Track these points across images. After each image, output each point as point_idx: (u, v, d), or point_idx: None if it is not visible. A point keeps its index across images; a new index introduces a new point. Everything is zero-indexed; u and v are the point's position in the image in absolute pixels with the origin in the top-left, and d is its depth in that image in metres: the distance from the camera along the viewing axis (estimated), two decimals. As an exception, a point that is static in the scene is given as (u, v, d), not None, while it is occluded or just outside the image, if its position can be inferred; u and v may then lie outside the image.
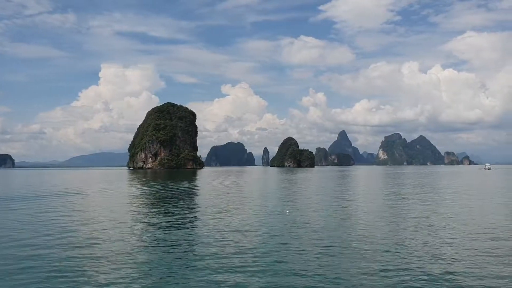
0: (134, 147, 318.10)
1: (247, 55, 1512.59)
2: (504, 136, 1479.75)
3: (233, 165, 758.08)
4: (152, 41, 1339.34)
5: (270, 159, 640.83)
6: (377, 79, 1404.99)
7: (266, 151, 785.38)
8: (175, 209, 34.60)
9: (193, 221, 27.62)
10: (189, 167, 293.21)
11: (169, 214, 31.02)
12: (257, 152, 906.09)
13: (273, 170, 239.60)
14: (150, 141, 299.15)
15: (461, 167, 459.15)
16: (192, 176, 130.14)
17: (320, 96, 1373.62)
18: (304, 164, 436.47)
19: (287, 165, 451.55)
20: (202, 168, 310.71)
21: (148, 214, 31.38)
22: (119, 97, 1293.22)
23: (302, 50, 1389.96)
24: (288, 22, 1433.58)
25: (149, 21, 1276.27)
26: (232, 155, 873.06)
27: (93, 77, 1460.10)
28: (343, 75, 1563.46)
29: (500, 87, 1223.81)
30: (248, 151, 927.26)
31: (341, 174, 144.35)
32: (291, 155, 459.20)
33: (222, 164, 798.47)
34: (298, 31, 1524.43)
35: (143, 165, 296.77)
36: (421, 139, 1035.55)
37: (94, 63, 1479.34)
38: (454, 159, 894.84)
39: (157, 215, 30.66)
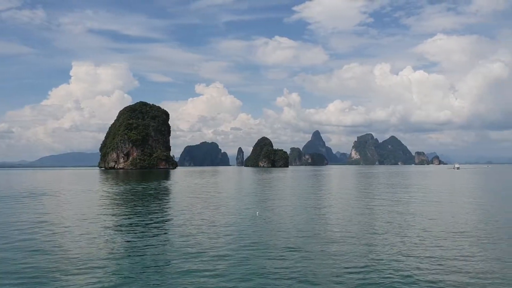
0: (106, 147, 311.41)
1: (221, 54, 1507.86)
2: (472, 137, 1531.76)
3: (207, 165, 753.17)
4: (125, 39, 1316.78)
5: (244, 159, 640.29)
6: (350, 80, 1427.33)
7: (240, 151, 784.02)
8: (141, 210, 33.54)
9: (158, 222, 26.69)
10: (162, 167, 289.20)
11: (133, 216, 29.94)
12: (231, 152, 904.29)
13: (247, 170, 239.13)
14: (122, 141, 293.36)
15: (431, 166, 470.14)
16: (164, 176, 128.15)
17: (294, 97, 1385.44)
18: (278, 164, 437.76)
19: (262, 165, 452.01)
20: (175, 168, 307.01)
21: (111, 216, 30.20)
22: (90, 96, 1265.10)
23: (277, 50, 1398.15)
24: (262, 22, 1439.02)
25: (122, 19, 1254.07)
26: (206, 155, 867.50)
27: (64, 75, 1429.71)
28: (317, 76, 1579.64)
29: (468, 89, 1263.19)
30: (222, 151, 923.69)
31: (314, 174, 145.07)
32: (266, 155, 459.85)
33: (196, 164, 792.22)
34: (272, 32, 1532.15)
35: (114, 165, 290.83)
36: (393, 139, 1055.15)
37: (65, 61, 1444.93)
38: (424, 159, 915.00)
39: (121, 217, 29.53)
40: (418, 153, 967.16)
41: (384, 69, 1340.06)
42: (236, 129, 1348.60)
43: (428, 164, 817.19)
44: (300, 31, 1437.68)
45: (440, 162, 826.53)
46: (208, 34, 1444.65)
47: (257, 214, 28.72)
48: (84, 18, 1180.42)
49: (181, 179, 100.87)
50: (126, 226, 25.15)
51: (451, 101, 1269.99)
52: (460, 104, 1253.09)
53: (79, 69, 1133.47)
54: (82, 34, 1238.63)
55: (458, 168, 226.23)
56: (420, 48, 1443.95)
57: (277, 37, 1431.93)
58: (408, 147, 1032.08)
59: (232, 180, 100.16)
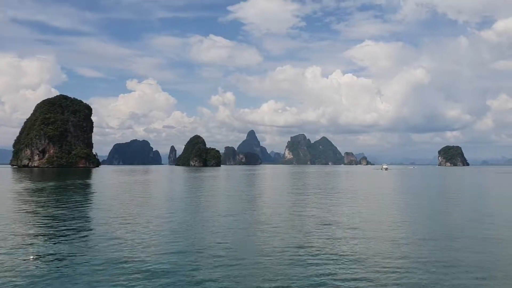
0: (20, 143, 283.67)
1: (155, 50, 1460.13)
2: (396, 139, 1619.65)
3: (138, 163, 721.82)
4: (53, 31, 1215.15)
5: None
6: (283, 81, 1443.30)
7: (173, 149, 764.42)
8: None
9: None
10: (81, 165, 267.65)
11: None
12: (164, 151, 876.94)
13: (175, 169, 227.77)
14: (37, 136, 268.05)
15: (360, 167, 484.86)
16: (80, 175, 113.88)
17: (229, 96, 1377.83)
18: (210, 163, 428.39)
19: (193, 164, 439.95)
20: (98, 166, 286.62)
21: None
22: (13, 90, 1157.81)
23: (211, 49, 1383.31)
24: (197, 20, 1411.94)
25: (49, 9, 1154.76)
26: (136, 153, 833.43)
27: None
28: (251, 76, 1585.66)
29: (393, 93, 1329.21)
30: (154, 149, 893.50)
31: (244, 174, 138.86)
32: (197, 154, 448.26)
33: (126, 162, 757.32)
34: (207, 30, 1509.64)
35: (28, 163, 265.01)
36: (324, 140, 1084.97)
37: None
38: (353, 159, 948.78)
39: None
40: (347, 153, 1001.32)
41: (315, 72, 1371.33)
42: (169, 127, 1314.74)
43: (356, 164, 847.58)
44: (235, 31, 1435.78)
45: (368, 163, 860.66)
46: (142, 29, 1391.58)
47: (31, 259, 17.17)
48: (6, 6, 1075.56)
49: (93, 180, 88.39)
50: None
51: (378, 104, 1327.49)
52: (386, 107, 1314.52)
53: (1, 61, 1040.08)
54: (5, 24, 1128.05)
55: (386, 169, 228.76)
56: (349, 53, 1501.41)
57: (212, 36, 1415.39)
58: (338, 148, 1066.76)
59: (143, 181, 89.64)
